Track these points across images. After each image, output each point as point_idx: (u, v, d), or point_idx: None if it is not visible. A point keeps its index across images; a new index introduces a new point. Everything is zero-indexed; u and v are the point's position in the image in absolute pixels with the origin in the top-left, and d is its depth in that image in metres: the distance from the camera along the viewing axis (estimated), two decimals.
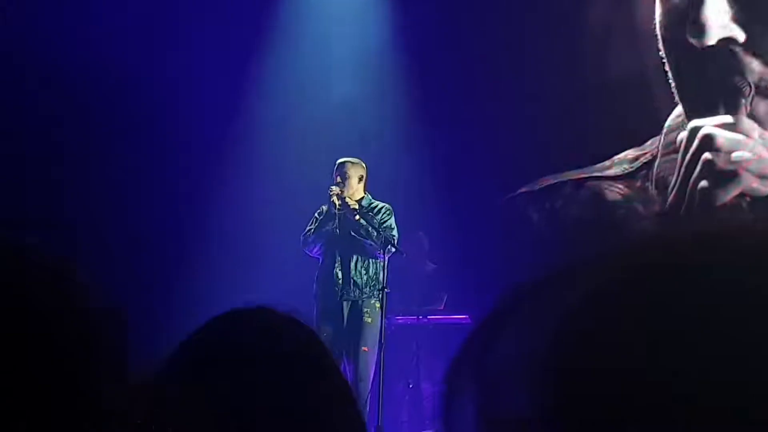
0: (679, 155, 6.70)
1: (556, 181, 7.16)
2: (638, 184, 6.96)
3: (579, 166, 7.10)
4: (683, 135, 6.70)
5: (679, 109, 6.91)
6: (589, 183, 7.08)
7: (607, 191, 7.02)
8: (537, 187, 7.24)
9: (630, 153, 7.06)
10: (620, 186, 7.00)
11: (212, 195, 7.47)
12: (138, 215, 7.10)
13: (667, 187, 6.79)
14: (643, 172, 6.97)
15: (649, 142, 7.01)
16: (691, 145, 6.63)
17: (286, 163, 7.55)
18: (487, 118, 7.35)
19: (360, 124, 7.48)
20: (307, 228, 6.30)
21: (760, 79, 6.54)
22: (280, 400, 1.01)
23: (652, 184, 6.85)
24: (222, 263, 7.23)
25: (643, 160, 6.99)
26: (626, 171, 7.02)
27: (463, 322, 7.25)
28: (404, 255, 6.31)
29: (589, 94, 7.03)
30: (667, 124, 6.95)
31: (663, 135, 6.93)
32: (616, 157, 7.09)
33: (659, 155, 6.91)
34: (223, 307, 1.11)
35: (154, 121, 7.25)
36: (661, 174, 6.86)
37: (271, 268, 6.87)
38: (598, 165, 7.10)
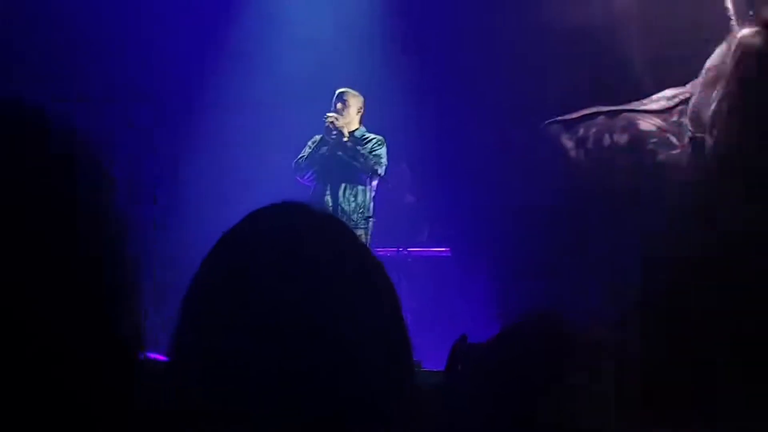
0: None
1: (590, 111, 7.12)
2: (674, 118, 6.92)
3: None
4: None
5: (720, 49, 6.71)
6: (625, 114, 7.05)
7: (641, 122, 6.99)
8: (574, 116, 7.18)
9: (668, 91, 7.03)
10: (656, 119, 6.95)
11: (207, 125, 7.46)
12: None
13: (700, 120, 6.67)
14: (681, 107, 6.92)
15: (689, 84, 6.94)
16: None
17: (279, 97, 7.50)
18: (475, 56, 7.29)
19: (346, 57, 7.42)
20: (300, 155, 6.52)
21: None
22: (328, 290, 1.01)
23: (686, 117, 6.81)
24: (212, 195, 7.14)
25: (681, 96, 6.94)
26: (664, 107, 6.98)
27: (444, 254, 7.36)
28: (389, 185, 6.47)
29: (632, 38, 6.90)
30: (707, 65, 6.81)
31: (704, 72, 6.82)
32: (655, 96, 7.06)
33: (698, 91, 6.82)
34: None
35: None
36: (695, 108, 6.77)
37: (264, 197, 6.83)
38: (635, 102, 7.07)
